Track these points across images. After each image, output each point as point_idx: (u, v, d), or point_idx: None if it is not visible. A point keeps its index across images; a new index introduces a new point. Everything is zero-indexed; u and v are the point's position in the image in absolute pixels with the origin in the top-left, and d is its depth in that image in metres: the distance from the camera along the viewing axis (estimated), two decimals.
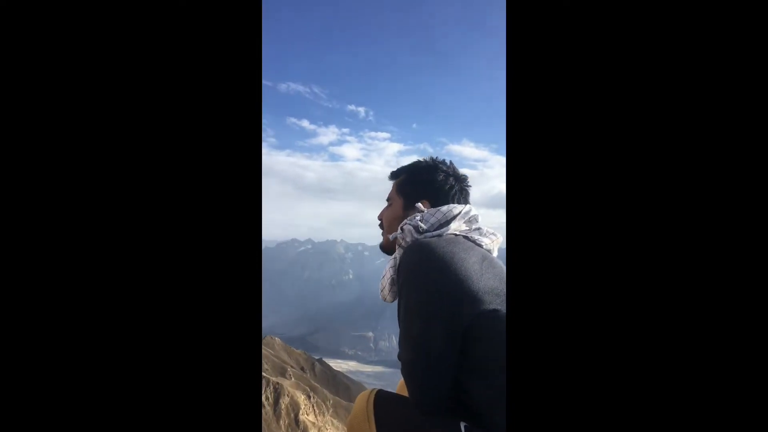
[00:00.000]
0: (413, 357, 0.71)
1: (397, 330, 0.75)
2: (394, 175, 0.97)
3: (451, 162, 0.94)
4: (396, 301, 0.79)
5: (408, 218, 0.84)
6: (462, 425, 0.68)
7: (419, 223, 0.81)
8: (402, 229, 0.83)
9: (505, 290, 0.72)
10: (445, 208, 0.84)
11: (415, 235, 0.81)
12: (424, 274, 0.71)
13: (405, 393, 0.78)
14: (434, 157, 0.95)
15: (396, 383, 1.00)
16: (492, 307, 0.69)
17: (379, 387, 0.86)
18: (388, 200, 0.96)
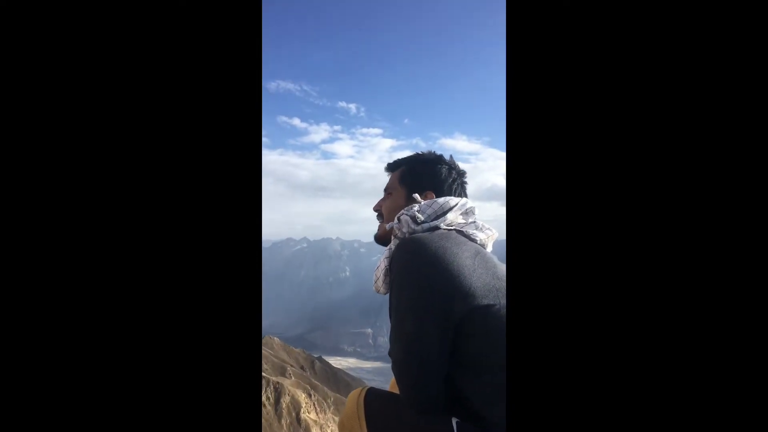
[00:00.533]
0: (405, 354, 0.70)
1: None
2: (392, 167, 0.96)
3: (451, 156, 0.94)
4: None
5: (405, 209, 0.83)
6: (454, 421, 0.67)
7: (416, 213, 0.81)
8: (399, 219, 0.82)
9: (497, 286, 0.71)
10: (441, 200, 0.84)
11: (412, 226, 0.80)
12: (416, 270, 0.70)
13: (397, 390, 0.77)
14: (431, 151, 0.95)
15: None
16: (485, 302, 0.68)
17: (379, 382, 0.86)
18: (386, 191, 0.94)
